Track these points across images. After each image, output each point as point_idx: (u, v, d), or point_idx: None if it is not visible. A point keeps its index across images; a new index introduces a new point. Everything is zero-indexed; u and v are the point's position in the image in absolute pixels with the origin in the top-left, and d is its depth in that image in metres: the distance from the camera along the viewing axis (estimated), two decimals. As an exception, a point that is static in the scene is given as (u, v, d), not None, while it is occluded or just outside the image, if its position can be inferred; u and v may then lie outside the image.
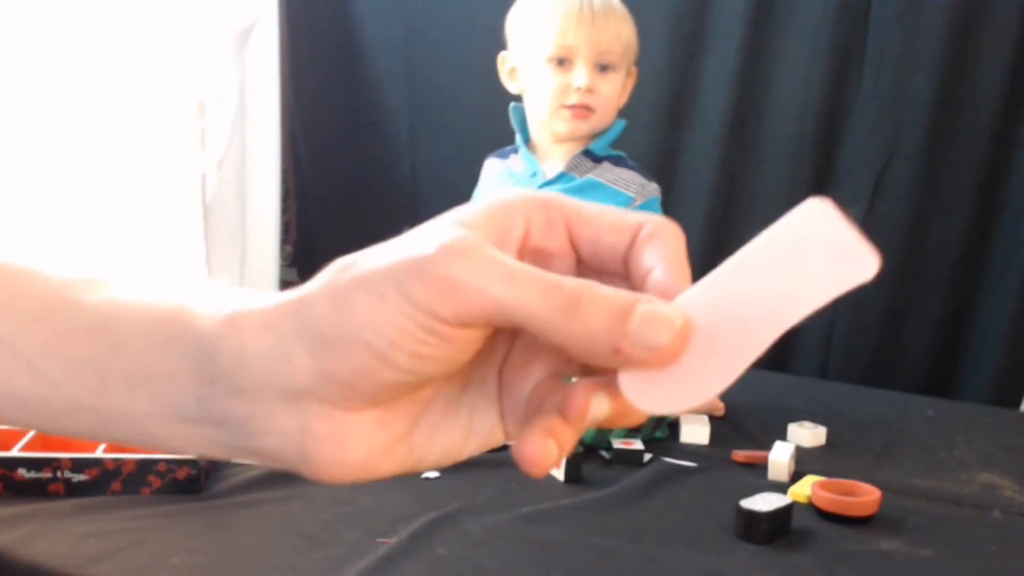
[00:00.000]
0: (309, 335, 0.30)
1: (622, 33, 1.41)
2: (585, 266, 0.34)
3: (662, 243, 0.32)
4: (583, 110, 1.39)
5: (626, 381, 0.31)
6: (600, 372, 0.32)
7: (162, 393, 0.33)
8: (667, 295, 0.31)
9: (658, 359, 0.30)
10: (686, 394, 0.31)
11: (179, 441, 0.34)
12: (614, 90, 1.42)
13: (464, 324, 0.29)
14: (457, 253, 0.29)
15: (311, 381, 0.31)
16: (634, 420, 0.32)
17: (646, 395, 0.31)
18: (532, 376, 0.34)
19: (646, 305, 0.30)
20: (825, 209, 0.30)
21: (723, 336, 0.31)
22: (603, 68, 1.40)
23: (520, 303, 0.29)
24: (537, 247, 0.33)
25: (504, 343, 0.34)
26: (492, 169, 1.53)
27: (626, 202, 1.39)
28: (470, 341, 0.30)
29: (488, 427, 0.35)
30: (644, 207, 1.41)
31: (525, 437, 0.31)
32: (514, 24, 1.46)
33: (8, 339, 0.34)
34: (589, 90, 1.38)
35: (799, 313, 0.30)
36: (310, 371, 0.30)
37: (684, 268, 0.32)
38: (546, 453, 0.31)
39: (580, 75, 1.38)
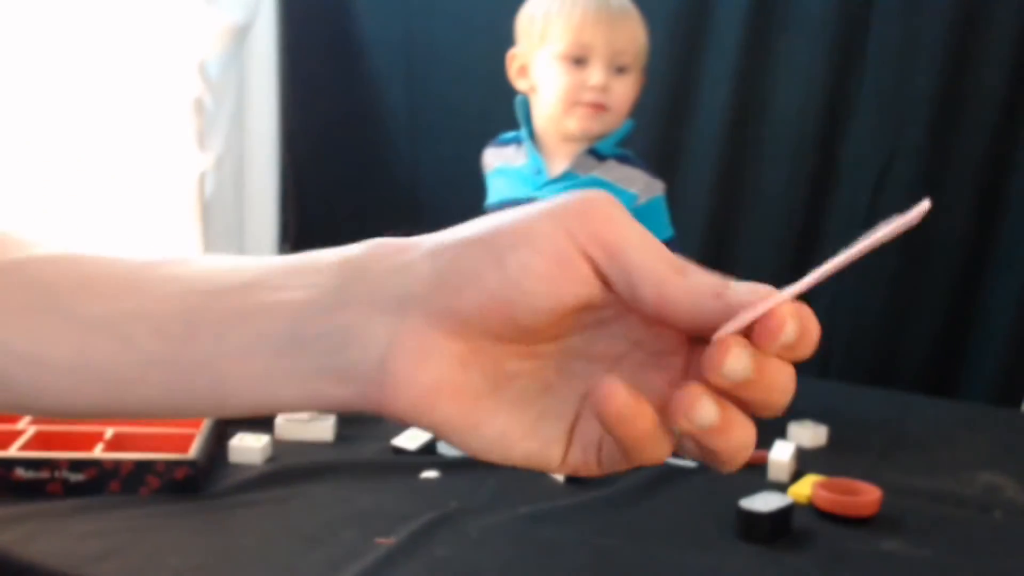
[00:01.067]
0: (439, 256, 0.33)
1: (637, 36, 1.41)
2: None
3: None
4: (597, 107, 1.38)
5: None
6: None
7: (255, 328, 0.34)
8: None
9: (759, 301, 0.32)
10: None
11: (252, 380, 0.34)
12: (627, 92, 1.41)
13: (589, 257, 0.32)
14: (613, 201, 0.33)
15: (424, 288, 0.33)
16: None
17: None
18: None
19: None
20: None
21: None
22: (617, 69, 1.39)
23: (644, 249, 0.32)
24: None
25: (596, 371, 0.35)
26: (492, 163, 1.52)
27: (630, 200, 1.39)
28: (583, 280, 0.32)
29: (549, 437, 0.35)
30: (648, 205, 1.40)
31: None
32: (527, 20, 1.44)
33: (85, 314, 0.35)
34: (604, 89, 1.37)
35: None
36: (427, 276, 0.33)
37: None
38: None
39: (596, 73, 1.37)
